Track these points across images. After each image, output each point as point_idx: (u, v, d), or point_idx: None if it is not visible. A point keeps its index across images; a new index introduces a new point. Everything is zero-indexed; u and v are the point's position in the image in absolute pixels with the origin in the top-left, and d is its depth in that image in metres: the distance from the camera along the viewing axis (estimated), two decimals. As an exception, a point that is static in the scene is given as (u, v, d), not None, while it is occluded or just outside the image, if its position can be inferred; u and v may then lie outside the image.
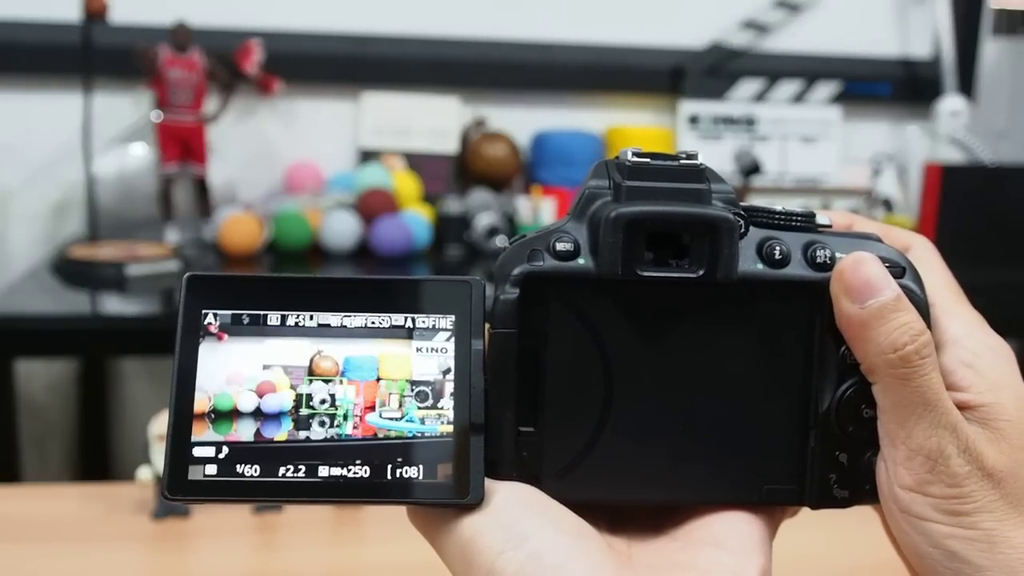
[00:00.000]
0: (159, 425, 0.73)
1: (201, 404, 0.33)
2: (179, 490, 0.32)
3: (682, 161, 0.34)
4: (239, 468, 0.32)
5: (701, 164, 0.34)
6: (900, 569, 0.38)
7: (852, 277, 0.33)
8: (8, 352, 1.21)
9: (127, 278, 1.31)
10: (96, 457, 1.68)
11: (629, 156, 0.34)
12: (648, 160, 0.33)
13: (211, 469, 0.32)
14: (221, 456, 0.32)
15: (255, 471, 0.32)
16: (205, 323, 0.33)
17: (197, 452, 0.32)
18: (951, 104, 1.76)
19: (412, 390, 0.33)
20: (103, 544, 0.71)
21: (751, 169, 1.66)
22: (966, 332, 0.34)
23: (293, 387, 0.33)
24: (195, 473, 0.32)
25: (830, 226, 0.35)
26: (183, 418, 0.32)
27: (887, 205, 1.71)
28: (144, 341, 1.21)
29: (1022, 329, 1.28)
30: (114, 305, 1.31)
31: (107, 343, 1.24)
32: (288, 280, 0.34)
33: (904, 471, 0.32)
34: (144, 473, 0.74)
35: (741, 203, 0.34)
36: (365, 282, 0.34)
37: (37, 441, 1.65)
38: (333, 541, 0.72)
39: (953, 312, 0.35)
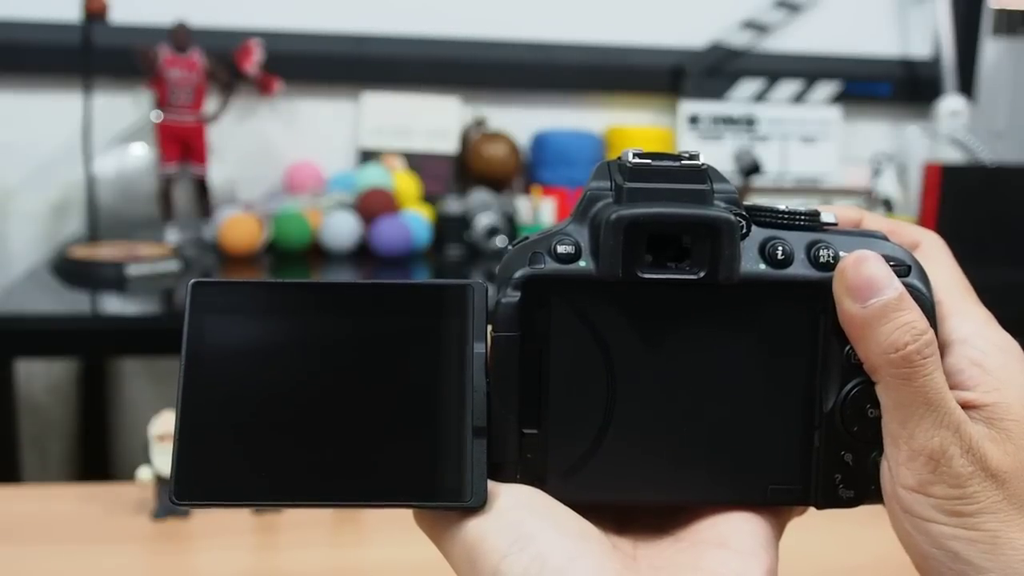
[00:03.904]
0: (159, 425, 0.73)
1: (204, 410, 0.33)
2: (187, 495, 0.32)
3: (683, 162, 0.33)
4: (245, 473, 0.32)
5: (703, 164, 0.34)
6: (899, 568, 0.38)
7: (854, 276, 0.32)
8: (8, 352, 1.21)
9: (127, 278, 1.31)
10: (96, 457, 1.68)
11: (630, 157, 0.33)
12: (649, 161, 0.33)
13: (217, 474, 0.32)
14: (227, 461, 0.32)
15: (260, 476, 0.32)
16: (209, 329, 0.33)
17: (203, 457, 0.32)
18: (951, 104, 1.76)
19: (412, 396, 0.33)
20: (103, 544, 0.71)
21: (751, 169, 1.66)
22: (974, 330, 0.34)
23: (290, 396, 0.33)
24: (202, 478, 0.32)
25: (835, 224, 0.35)
26: (189, 423, 0.32)
27: (887, 205, 1.71)
28: (144, 341, 1.21)
29: (1022, 329, 1.28)
30: (114, 305, 1.31)
31: (107, 343, 1.24)
32: (291, 285, 0.34)
33: (906, 471, 0.32)
34: (144, 473, 0.74)
35: (744, 203, 0.34)
36: (368, 286, 0.34)
37: (37, 441, 1.64)
38: (333, 541, 0.72)
39: (961, 310, 0.35)
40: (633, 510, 0.35)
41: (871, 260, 0.32)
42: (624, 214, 0.32)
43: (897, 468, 0.32)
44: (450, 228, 1.56)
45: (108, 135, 1.60)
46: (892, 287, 0.32)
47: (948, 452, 0.31)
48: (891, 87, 1.88)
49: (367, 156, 1.70)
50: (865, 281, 0.32)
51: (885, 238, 0.35)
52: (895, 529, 0.34)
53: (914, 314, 0.32)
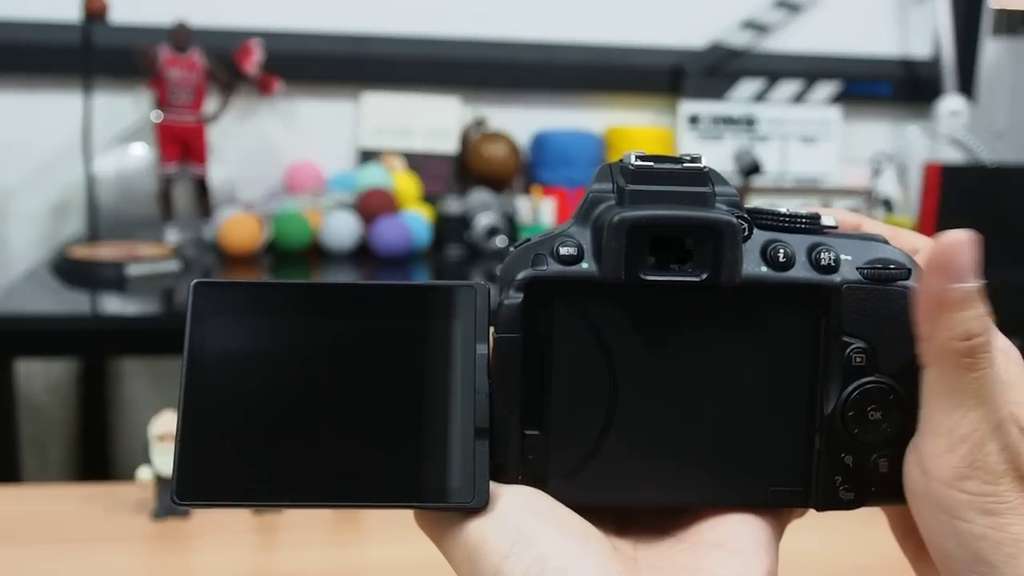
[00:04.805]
0: (159, 425, 0.73)
1: (206, 411, 0.33)
2: (188, 495, 0.32)
3: (686, 164, 0.34)
4: (247, 473, 0.32)
5: (705, 167, 0.34)
6: (900, 569, 0.38)
7: (954, 256, 0.31)
8: (8, 352, 1.21)
9: (127, 278, 1.31)
10: (96, 457, 1.68)
11: (633, 159, 0.33)
12: (652, 163, 0.33)
13: (218, 473, 0.32)
14: (229, 461, 0.32)
15: (262, 476, 0.32)
16: (211, 329, 0.33)
17: (205, 457, 0.32)
18: (951, 104, 1.76)
19: (414, 397, 0.33)
20: (103, 544, 0.71)
21: (751, 169, 1.66)
22: None
23: (292, 396, 0.33)
24: (204, 478, 0.32)
25: (836, 227, 0.35)
26: (191, 423, 0.32)
27: (887, 205, 1.71)
28: (144, 341, 1.21)
29: (1022, 329, 1.28)
30: (114, 305, 1.31)
31: (107, 343, 1.24)
32: (293, 286, 0.34)
33: (943, 463, 0.31)
34: (144, 473, 0.74)
35: (745, 205, 0.34)
36: (370, 287, 0.34)
37: (37, 441, 1.64)
38: (333, 541, 0.72)
39: None
40: (634, 511, 0.35)
41: (972, 245, 0.32)
42: (627, 216, 0.32)
43: (933, 460, 0.32)
44: (450, 228, 1.56)
45: (108, 135, 1.60)
46: (977, 278, 0.32)
47: (987, 447, 0.31)
48: (891, 87, 1.88)
49: (367, 156, 1.71)
50: (962, 264, 0.31)
51: (886, 241, 0.35)
52: (920, 526, 0.33)
53: (985, 309, 0.32)
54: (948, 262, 0.31)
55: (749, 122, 1.81)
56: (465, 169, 1.71)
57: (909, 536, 0.37)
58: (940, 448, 0.32)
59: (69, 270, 1.37)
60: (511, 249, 0.34)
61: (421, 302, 0.34)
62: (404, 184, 1.60)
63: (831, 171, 1.83)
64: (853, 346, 0.33)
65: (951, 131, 1.75)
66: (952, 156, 1.73)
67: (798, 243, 0.34)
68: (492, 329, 0.34)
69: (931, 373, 0.32)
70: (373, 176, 1.58)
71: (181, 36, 1.50)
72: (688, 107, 1.80)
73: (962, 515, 0.31)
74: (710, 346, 0.34)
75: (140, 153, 1.61)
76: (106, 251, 1.39)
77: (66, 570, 0.68)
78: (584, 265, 0.33)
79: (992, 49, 1.93)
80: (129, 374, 1.71)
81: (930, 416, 0.32)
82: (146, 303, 1.30)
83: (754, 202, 0.35)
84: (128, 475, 0.78)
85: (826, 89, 1.84)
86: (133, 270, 1.31)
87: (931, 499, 0.32)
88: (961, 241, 0.31)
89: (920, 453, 0.32)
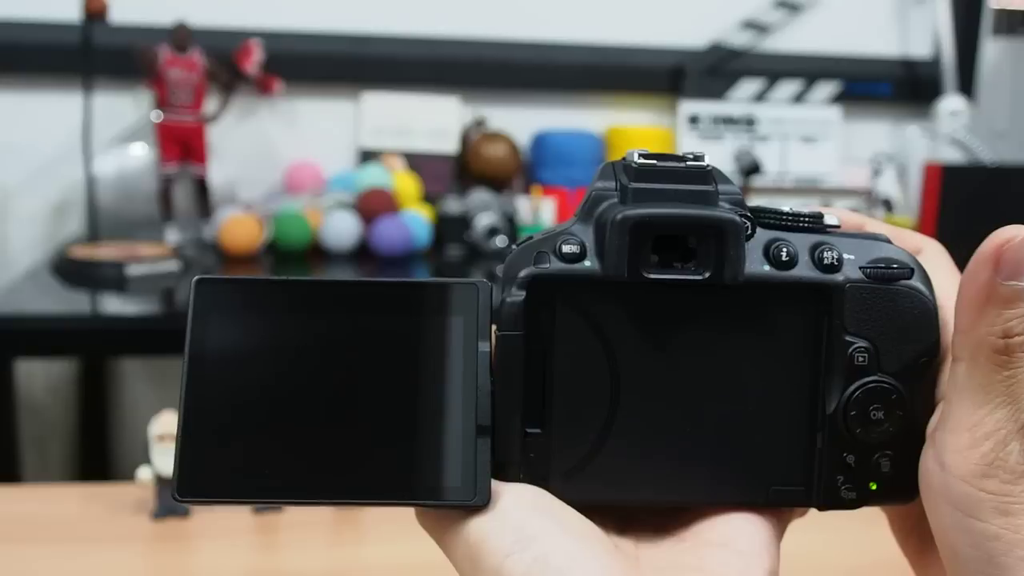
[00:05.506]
0: (159, 425, 0.73)
1: (207, 407, 0.32)
2: (189, 492, 0.32)
3: (689, 163, 0.33)
4: (247, 470, 0.32)
5: (708, 165, 0.34)
6: (899, 569, 0.38)
7: (1010, 251, 0.31)
8: (8, 352, 1.21)
9: (127, 278, 1.31)
10: (96, 457, 1.68)
11: (636, 158, 0.33)
12: (655, 162, 0.33)
13: (220, 471, 0.32)
14: (229, 458, 0.32)
15: (264, 473, 0.32)
16: (212, 326, 0.33)
17: (207, 454, 0.32)
18: (951, 104, 1.76)
19: (415, 394, 0.33)
20: (103, 544, 0.71)
21: (751, 169, 1.66)
22: None
23: (294, 393, 0.33)
24: (204, 475, 0.32)
25: (839, 226, 0.35)
26: (193, 420, 0.32)
27: (887, 205, 1.71)
28: (144, 341, 1.21)
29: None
30: (114, 305, 1.31)
31: (107, 343, 1.24)
32: (295, 283, 0.34)
33: (963, 460, 0.31)
34: (144, 473, 0.74)
35: (748, 204, 0.34)
36: (372, 284, 0.34)
37: (37, 441, 1.64)
38: (333, 541, 0.72)
39: None
40: (635, 510, 0.35)
41: None
42: (630, 214, 0.32)
43: (953, 455, 0.31)
44: (450, 228, 1.56)
45: (108, 135, 1.60)
46: None
47: (1009, 447, 0.31)
48: (891, 87, 1.88)
49: (367, 156, 1.71)
50: (1017, 260, 0.31)
51: (888, 241, 0.35)
52: (932, 523, 0.33)
53: None
54: (1002, 256, 0.31)
55: (749, 122, 1.81)
56: (465, 169, 1.71)
57: (909, 536, 0.37)
58: (962, 444, 0.31)
59: (69, 270, 1.36)
60: (513, 247, 0.34)
61: (423, 299, 0.34)
62: (404, 184, 1.60)
63: (831, 171, 1.83)
64: (855, 345, 0.33)
65: (951, 131, 1.75)
66: (952, 156, 1.73)
67: (801, 242, 0.34)
68: (494, 327, 0.33)
69: (961, 367, 0.32)
70: (373, 176, 1.58)
71: (181, 36, 1.50)
72: (688, 107, 1.80)
73: (978, 514, 0.31)
74: (712, 345, 0.34)
75: (140, 153, 1.61)
76: (106, 251, 1.39)
77: (66, 570, 0.68)
78: (587, 263, 0.33)
79: (992, 49, 1.93)
80: (129, 374, 1.71)
81: (954, 411, 0.32)
82: (146, 303, 1.30)
83: (755, 202, 0.35)
84: (128, 475, 0.78)
85: (826, 89, 1.84)
86: (133, 270, 1.31)
87: (947, 496, 0.31)
88: (1018, 237, 0.31)
89: (940, 448, 0.32)
